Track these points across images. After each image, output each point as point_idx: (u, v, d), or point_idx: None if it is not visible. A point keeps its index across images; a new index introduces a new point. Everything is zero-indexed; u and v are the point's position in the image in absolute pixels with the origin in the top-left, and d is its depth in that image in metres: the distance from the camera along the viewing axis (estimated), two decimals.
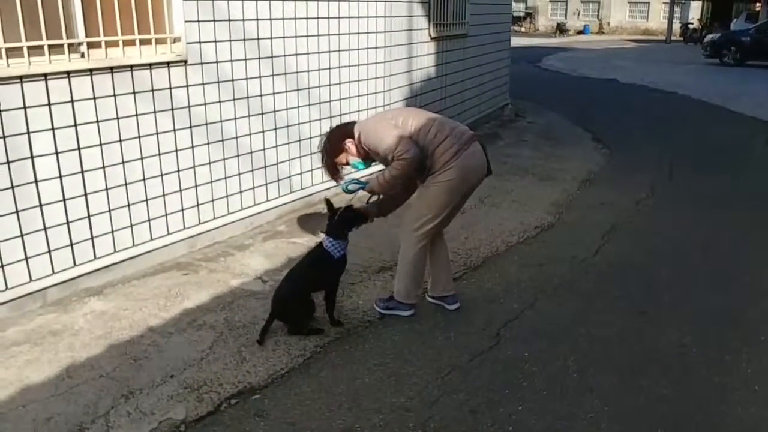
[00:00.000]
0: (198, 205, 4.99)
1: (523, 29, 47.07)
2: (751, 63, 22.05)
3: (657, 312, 4.29)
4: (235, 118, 5.12)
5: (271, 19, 5.28)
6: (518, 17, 47.74)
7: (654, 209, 6.48)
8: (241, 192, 5.31)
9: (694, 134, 10.52)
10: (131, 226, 4.51)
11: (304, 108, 5.76)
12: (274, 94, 5.43)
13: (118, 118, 4.28)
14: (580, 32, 46.01)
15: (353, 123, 4.02)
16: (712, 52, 23.22)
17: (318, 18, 5.74)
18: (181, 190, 4.82)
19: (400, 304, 4.15)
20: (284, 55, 5.47)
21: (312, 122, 5.87)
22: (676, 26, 39.58)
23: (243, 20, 5.04)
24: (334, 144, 3.94)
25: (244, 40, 5.08)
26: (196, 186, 4.93)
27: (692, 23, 40.87)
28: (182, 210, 4.87)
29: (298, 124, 5.73)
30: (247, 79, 5.16)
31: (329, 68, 5.95)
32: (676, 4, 38.33)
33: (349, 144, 3.92)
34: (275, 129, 5.50)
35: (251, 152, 5.32)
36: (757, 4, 38.38)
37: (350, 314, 4.17)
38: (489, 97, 10.36)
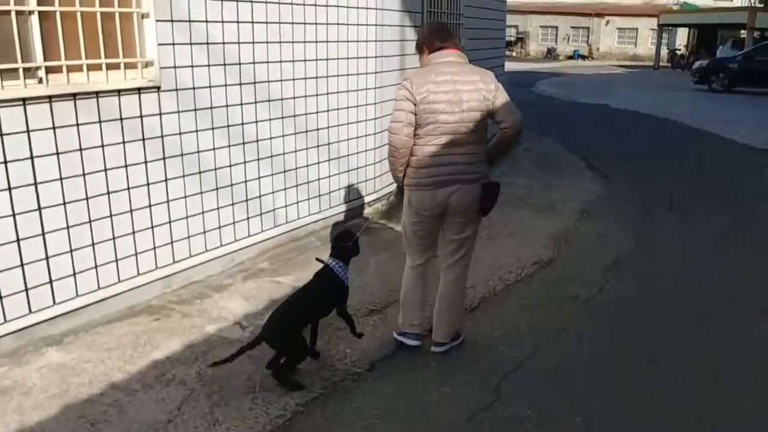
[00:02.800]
0: (172, 242, 4.60)
1: (514, 54, 47.19)
2: (738, 89, 21.99)
3: (666, 360, 3.94)
4: (214, 148, 4.75)
5: (254, 43, 4.94)
6: (509, 42, 47.83)
7: (655, 244, 6.14)
8: (220, 227, 4.92)
9: (689, 162, 10.25)
10: (96, 267, 4.11)
11: (290, 136, 5.40)
12: (257, 122, 5.07)
13: (81, 150, 3.90)
14: (570, 57, 46.20)
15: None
16: (700, 78, 23.16)
17: (305, 42, 5.41)
18: (153, 227, 4.44)
19: (402, 333, 3.99)
20: (268, 81, 5.12)
21: (298, 151, 5.51)
22: (664, 52, 39.76)
23: (223, 43, 4.69)
24: None
25: (225, 64, 4.73)
26: (170, 222, 4.54)
27: (679, 50, 41.08)
28: (154, 248, 4.48)
29: (283, 153, 5.36)
30: (227, 106, 4.80)
31: (317, 95, 5.60)
32: (664, 30, 38.49)
33: None
34: (258, 159, 5.13)
35: (231, 184, 4.94)
36: (743, 32, 38.67)
37: (337, 364, 3.79)
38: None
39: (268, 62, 5.09)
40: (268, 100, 5.14)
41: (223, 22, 4.66)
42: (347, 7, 5.79)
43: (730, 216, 7.16)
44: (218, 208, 4.88)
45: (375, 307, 4.50)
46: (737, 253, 5.93)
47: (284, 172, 5.39)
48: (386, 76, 6.43)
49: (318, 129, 5.67)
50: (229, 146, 4.87)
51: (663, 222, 6.85)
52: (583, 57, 45.69)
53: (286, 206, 5.48)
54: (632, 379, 3.72)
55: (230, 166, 4.90)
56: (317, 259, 3.84)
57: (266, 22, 5.02)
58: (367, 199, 6.38)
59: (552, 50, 47.19)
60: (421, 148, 3.57)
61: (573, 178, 8.78)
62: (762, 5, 38.53)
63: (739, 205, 7.69)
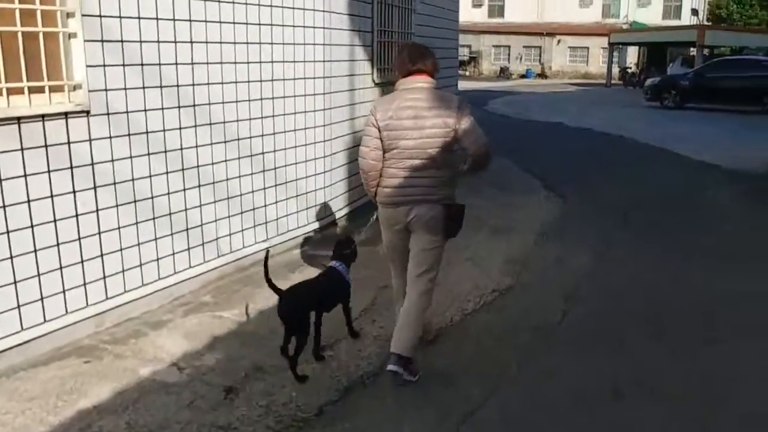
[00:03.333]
0: (105, 277, 4.28)
1: (467, 73, 47.47)
2: (690, 106, 22.35)
3: (635, 393, 3.75)
4: (150, 176, 4.46)
5: (193, 64, 4.67)
6: (462, 61, 48.20)
7: (616, 265, 6.00)
8: (158, 259, 4.62)
9: (644, 179, 10.24)
10: (19, 307, 3.77)
11: (233, 161, 5.13)
12: (197, 146, 4.79)
13: (1, 180, 3.58)
14: (522, 76, 46.68)
15: None
16: (653, 95, 23.51)
17: (248, 63, 5.16)
18: (83, 261, 4.12)
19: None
20: (209, 103, 4.86)
21: (242, 177, 5.24)
22: (615, 70, 40.44)
23: (159, 65, 4.42)
24: None
25: (161, 86, 4.45)
26: (101, 255, 4.23)
27: (630, 68, 41.85)
28: (85, 284, 4.16)
29: (226, 179, 5.09)
30: (164, 130, 4.52)
31: (261, 117, 5.35)
32: (615, 49, 39.18)
33: None
34: (199, 186, 4.85)
35: (170, 213, 4.65)
36: (692, 49, 39.60)
37: (281, 410, 3.51)
38: None
39: (208, 84, 4.82)
40: (209, 124, 4.87)
41: (159, 42, 4.39)
42: (293, 26, 5.56)
43: (687, 233, 7.08)
44: (156, 239, 4.57)
45: (325, 342, 4.23)
46: (697, 271, 5.83)
47: (228, 198, 5.11)
48: (336, 97, 6.21)
49: (263, 153, 5.41)
50: (167, 173, 4.58)
51: (621, 242, 6.73)
52: (542, 76, 46.08)
53: (230, 235, 5.19)
54: (600, 419, 3.52)
55: (168, 194, 4.61)
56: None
57: (206, 42, 4.77)
58: (316, 225, 6.13)
59: (505, 69, 47.62)
60: (387, 170, 3.76)
61: (530, 198, 8.65)
62: (709, 23, 39.58)
63: (696, 221, 7.64)
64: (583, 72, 47.35)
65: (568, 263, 5.95)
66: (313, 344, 3.98)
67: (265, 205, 5.48)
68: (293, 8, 5.55)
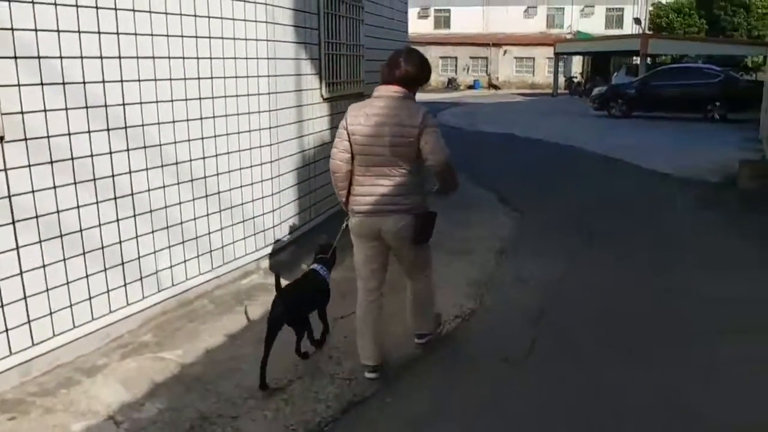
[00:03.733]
0: (30, 321, 3.83)
1: None
2: (636, 114, 22.60)
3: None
4: (78, 207, 4.03)
5: (122, 81, 4.26)
6: None
7: (581, 286, 5.75)
8: (90, 298, 4.17)
9: (600, 189, 10.13)
10: None
11: (172, 187, 4.72)
12: (130, 172, 4.37)
13: None
14: (470, 87, 46.92)
15: None
16: (600, 104, 23.73)
17: (185, 79, 4.77)
18: (3, 305, 3.66)
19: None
20: (143, 125, 4.44)
21: (183, 203, 4.83)
22: (561, 80, 40.92)
23: (84, 83, 4.00)
24: None
25: (87, 107, 4.03)
26: (25, 298, 3.78)
27: (576, 77, 42.40)
28: (6, 331, 3.71)
29: (165, 207, 4.67)
30: (92, 156, 4.09)
31: (202, 138, 4.95)
32: (560, 59, 39.64)
33: None
34: (134, 216, 4.42)
35: (102, 247, 4.21)
36: (635, 58, 40.31)
37: None
38: None
39: (141, 103, 4.41)
40: (144, 147, 4.45)
41: (82, 57, 3.97)
42: (234, 39, 5.19)
43: (649, 246, 6.93)
44: (87, 276, 4.13)
45: (277, 385, 3.85)
46: (666, 284, 5.66)
47: (167, 228, 4.69)
48: (283, 114, 5.85)
49: (205, 177, 5.01)
50: (97, 203, 4.15)
51: (584, 258, 6.50)
52: (495, 87, 46.03)
53: (171, 267, 4.77)
54: None
55: (99, 225, 4.18)
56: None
57: (137, 57, 4.36)
58: (265, 251, 5.74)
59: (452, 80, 47.82)
60: (355, 177, 3.83)
61: (486, 214, 8.40)
62: (651, 32, 40.33)
63: (656, 232, 7.51)
64: (529, 82, 47.83)
65: (532, 285, 5.68)
66: (295, 344, 4.12)
67: (209, 233, 5.08)
68: (233, 20, 5.18)
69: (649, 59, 30.90)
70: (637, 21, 37.63)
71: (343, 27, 7.34)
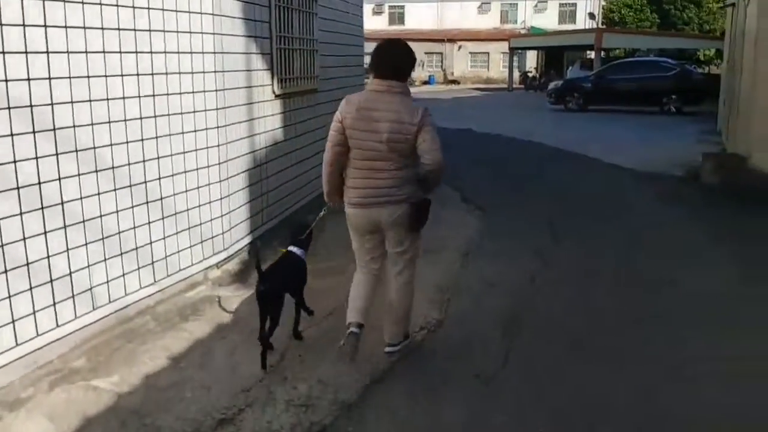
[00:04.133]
0: None
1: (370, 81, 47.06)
2: (592, 108, 22.65)
3: None
4: None
5: (50, 79, 3.81)
6: (366, 69, 47.67)
7: (551, 286, 5.51)
8: (14, 321, 3.72)
9: (562, 185, 9.95)
10: None
11: (108, 194, 4.28)
12: (60, 179, 3.92)
13: None
14: (425, 82, 46.73)
15: None
16: (556, 98, 23.74)
17: (122, 75, 4.33)
18: None
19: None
20: (74, 126, 4.00)
21: (120, 212, 4.39)
22: (516, 74, 40.99)
23: (6, 81, 3.54)
24: None
25: (9, 108, 3.58)
26: None
27: (531, 72, 42.55)
28: None
29: (100, 216, 4.23)
30: (15, 162, 3.65)
31: (141, 140, 4.52)
32: (515, 54, 39.69)
33: None
34: (64, 227, 3.97)
35: (27, 263, 3.76)
36: (589, 52, 40.59)
37: None
38: None
39: (72, 102, 3.97)
40: (75, 151, 4.01)
41: (3, 53, 3.53)
42: (177, 32, 4.77)
43: (617, 243, 6.74)
44: (10, 297, 3.68)
45: (224, 415, 3.46)
46: (636, 285, 5.47)
47: (102, 239, 4.25)
48: (232, 113, 5.44)
49: (146, 182, 4.57)
50: (21, 213, 3.70)
51: (552, 258, 6.25)
52: (455, 82, 45.56)
53: (107, 282, 4.32)
54: None
55: (24, 239, 3.73)
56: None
57: (68, 52, 3.92)
58: (214, 260, 5.33)
59: None
60: (350, 170, 3.84)
61: (449, 213, 8.07)
62: (604, 26, 40.65)
63: (622, 230, 7.31)
64: (484, 77, 47.87)
65: (501, 288, 5.40)
66: (293, 324, 4.32)
67: (150, 243, 4.64)
68: (176, 11, 4.76)
69: (603, 53, 31.04)
70: (592, 16, 37.88)
71: (296, 20, 6.95)
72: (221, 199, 5.33)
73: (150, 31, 4.54)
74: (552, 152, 13.52)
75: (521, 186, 9.94)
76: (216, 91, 5.16)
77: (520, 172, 11.27)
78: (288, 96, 6.76)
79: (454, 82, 45.76)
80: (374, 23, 49.44)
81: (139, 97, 4.48)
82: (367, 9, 48.97)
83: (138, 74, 4.45)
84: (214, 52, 5.12)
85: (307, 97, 7.40)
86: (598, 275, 5.72)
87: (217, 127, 5.21)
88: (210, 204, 5.22)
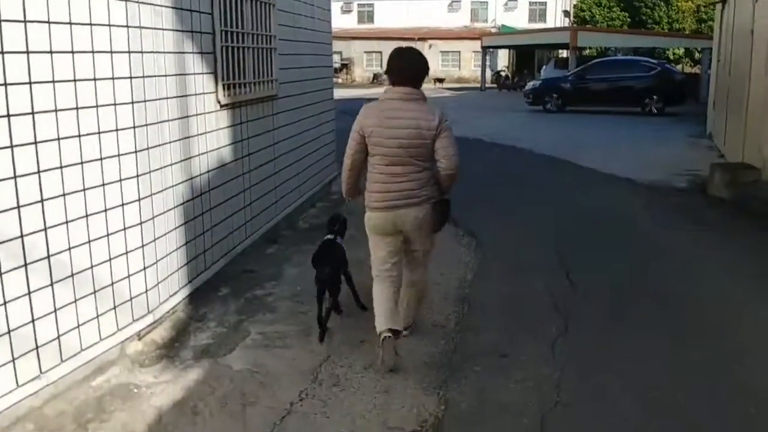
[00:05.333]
0: None
1: (339, 80, 45.97)
2: (571, 109, 21.66)
3: None
4: None
5: None
6: (334, 68, 46.65)
7: (582, 363, 4.17)
8: None
9: (560, 203, 8.72)
10: None
11: None
12: None
13: None
14: None
15: None
16: (534, 99, 22.68)
17: (6, 84, 2.99)
18: None
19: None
20: None
21: (6, 274, 3.06)
22: (488, 74, 39.99)
23: None
24: None
25: None
26: None
27: (504, 71, 41.57)
28: None
29: None
30: None
31: (15, 177, 3.17)
32: (486, 53, 38.66)
33: None
34: None
35: None
36: (562, 51, 39.76)
37: None
38: (313, 173, 7.92)
39: None
40: None
41: None
42: (70, 23, 3.43)
43: (647, 285, 5.55)
44: None
45: None
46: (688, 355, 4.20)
47: None
48: (155, 131, 4.11)
49: (22, 236, 3.22)
50: None
51: (574, 312, 4.99)
52: (439, 81, 43.38)
53: None
54: None
55: None
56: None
57: None
58: (133, 329, 3.99)
59: (378, 75, 46.39)
60: (372, 174, 4.00)
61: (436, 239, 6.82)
62: (575, 24, 39.86)
63: (645, 263, 6.12)
64: (456, 76, 46.77)
65: (516, 366, 4.07)
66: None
67: (33, 321, 3.29)
68: None
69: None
70: (567, 13, 37.07)
71: (249, 12, 5.64)
72: (142, 247, 4.00)
73: (26, 22, 3.19)
74: (541, 161, 12.38)
75: (514, 203, 8.70)
76: (132, 103, 3.82)
77: (509, 185, 10.03)
78: (238, 105, 5.45)
79: (439, 80, 43.71)
80: (343, 21, 48.40)
81: (8, 116, 3.13)
82: (336, 7, 47.66)
83: (6, 83, 3.11)
84: (129, 52, 3.78)
85: (263, 105, 6.09)
86: (650, 357, 4.35)
87: (135, 152, 3.88)
88: (127, 255, 3.89)
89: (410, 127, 3.84)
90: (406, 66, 3.99)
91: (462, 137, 15.17)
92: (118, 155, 3.76)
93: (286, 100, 6.73)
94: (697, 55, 41.44)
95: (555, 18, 47.10)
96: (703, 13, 43.62)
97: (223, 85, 5.09)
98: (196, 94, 4.66)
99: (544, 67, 36.08)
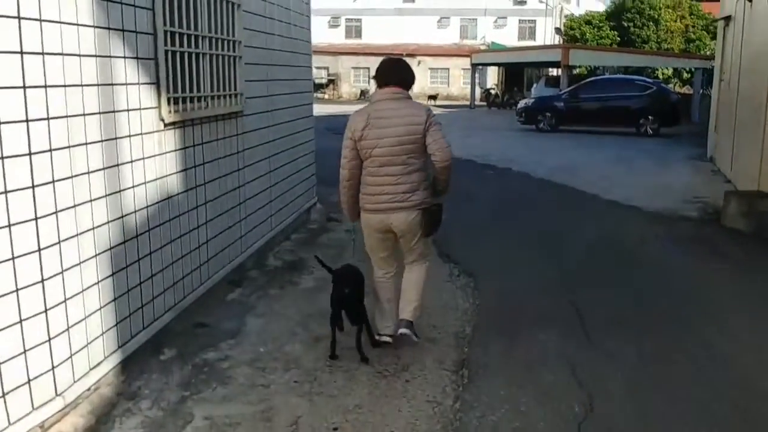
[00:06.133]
0: None
1: (326, 96, 45.28)
2: (564, 128, 20.88)
3: None
4: None
5: None
6: (320, 84, 46.09)
7: None
8: None
9: (565, 236, 7.79)
10: None
11: None
12: None
13: None
14: None
15: None
16: (527, 118, 21.83)
17: None
18: None
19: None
20: None
21: None
22: (477, 91, 39.25)
23: None
24: None
25: None
26: None
27: (494, 89, 40.83)
28: None
29: None
30: None
31: None
32: (476, 70, 37.94)
33: None
34: None
35: None
36: (552, 70, 39.14)
37: None
38: (288, 201, 6.95)
39: None
40: None
41: None
42: None
43: (663, 328, 4.64)
44: None
45: None
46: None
47: None
48: (64, 158, 3.14)
49: None
50: None
51: (591, 369, 4.08)
52: (433, 98, 41.92)
53: None
54: None
55: None
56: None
57: None
58: (36, 419, 2.99)
59: (365, 92, 45.66)
60: (365, 178, 4.08)
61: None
62: (565, 42, 39.29)
63: (658, 302, 5.25)
64: (444, 94, 45.97)
65: None
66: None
67: None
68: None
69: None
70: (558, 31, 36.44)
71: (205, 12, 4.69)
72: (46, 311, 3.01)
73: None
74: (538, 185, 11.47)
75: (514, 236, 7.75)
76: (26, 122, 2.85)
77: (509, 214, 9.08)
78: (190, 124, 4.49)
79: (432, 97, 42.28)
80: (331, 36, 47.76)
81: None
82: (323, 21, 47.21)
83: None
84: (21, 52, 2.82)
85: (225, 123, 5.13)
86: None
87: (32, 187, 2.90)
88: (21, 324, 2.90)
89: (402, 124, 3.92)
90: (395, 69, 4.12)
91: (455, 158, 14.39)
92: (5, 192, 2.78)
93: (255, 117, 5.78)
94: (685, 75, 41.09)
95: (545, 36, 46.53)
96: (692, 33, 43.33)
97: (169, 99, 4.12)
98: (129, 110, 3.70)
99: (534, 85, 35.39)
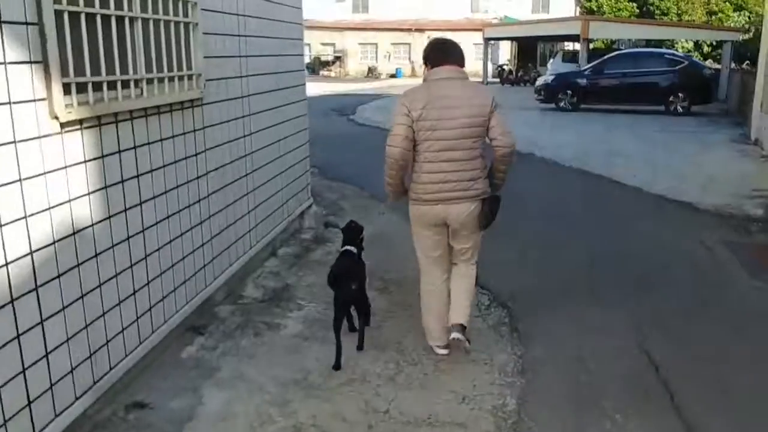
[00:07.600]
0: None
1: (332, 74, 43.86)
2: (585, 107, 19.35)
3: None
4: None
5: None
6: (326, 61, 44.62)
7: None
8: None
9: (610, 245, 6.29)
10: None
11: None
12: None
13: None
14: (392, 75, 43.37)
15: None
16: (546, 96, 20.23)
17: None
18: None
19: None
20: None
21: None
22: (490, 67, 37.66)
23: None
24: None
25: None
26: None
27: (507, 64, 39.28)
28: None
29: None
30: None
31: None
32: (488, 45, 36.30)
33: None
34: None
35: None
36: (568, 44, 37.43)
37: None
38: (273, 208, 5.56)
39: None
40: None
41: None
42: None
43: None
44: None
45: None
46: None
47: None
48: None
49: None
50: None
51: None
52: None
53: None
54: None
55: None
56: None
57: None
58: None
59: (373, 69, 44.18)
60: (419, 165, 3.73)
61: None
62: (583, 14, 37.64)
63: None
64: None
65: None
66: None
67: None
68: None
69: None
70: (578, 1, 34.63)
71: None
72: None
73: None
74: (569, 176, 9.99)
75: (555, 252, 6.14)
76: None
77: (540, 218, 7.45)
78: (109, 121, 3.09)
79: (393, 75, 41.29)
80: (336, 11, 46.15)
81: None
82: None
83: None
84: None
85: (173, 116, 3.73)
86: None
87: None
88: None
89: (468, 105, 3.65)
90: (450, 47, 3.86)
91: None
92: None
93: (221, 105, 4.38)
94: (705, 48, 39.29)
95: (559, 8, 44.68)
96: (714, 4, 41.57)
97: (67, 86, 2.71)
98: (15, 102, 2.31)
99: (551, 60, 33.67)
